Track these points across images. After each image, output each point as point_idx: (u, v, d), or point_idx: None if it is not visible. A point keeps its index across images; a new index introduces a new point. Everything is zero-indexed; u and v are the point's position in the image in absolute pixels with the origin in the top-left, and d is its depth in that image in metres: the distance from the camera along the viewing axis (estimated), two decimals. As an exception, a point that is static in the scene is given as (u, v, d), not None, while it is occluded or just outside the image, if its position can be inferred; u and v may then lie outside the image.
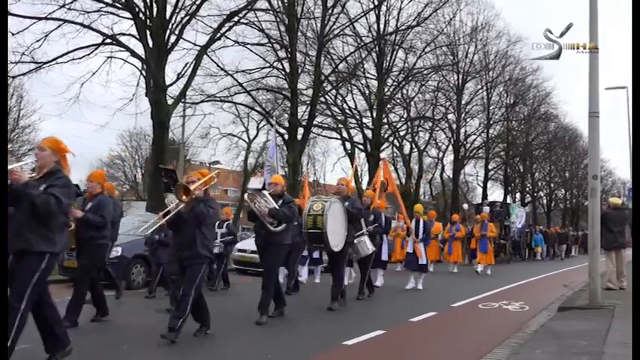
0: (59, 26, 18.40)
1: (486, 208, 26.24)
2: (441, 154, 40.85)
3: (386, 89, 30.74)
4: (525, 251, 30.02)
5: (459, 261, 18.78)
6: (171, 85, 19.84)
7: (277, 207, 7.26)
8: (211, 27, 20.54)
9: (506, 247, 26.01)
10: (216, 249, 10.22)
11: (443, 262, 19.52)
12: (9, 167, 4.18)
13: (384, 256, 12.22)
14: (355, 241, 9.42)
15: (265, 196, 7.27)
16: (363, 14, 28.09)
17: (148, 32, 18.92)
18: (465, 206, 27.19)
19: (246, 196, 7.30)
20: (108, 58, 19.64)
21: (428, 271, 12.38)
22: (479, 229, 18.03)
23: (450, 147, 39.54)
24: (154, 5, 19.03)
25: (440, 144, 39.99)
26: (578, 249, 36.86)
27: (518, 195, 52.19)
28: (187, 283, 5.93)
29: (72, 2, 18.17)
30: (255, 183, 7.61)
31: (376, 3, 28.75)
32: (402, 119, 34.19)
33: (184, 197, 5.77)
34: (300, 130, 25.54)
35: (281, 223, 7.27)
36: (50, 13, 18.12)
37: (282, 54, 25.03)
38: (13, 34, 16.97)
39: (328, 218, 8.03)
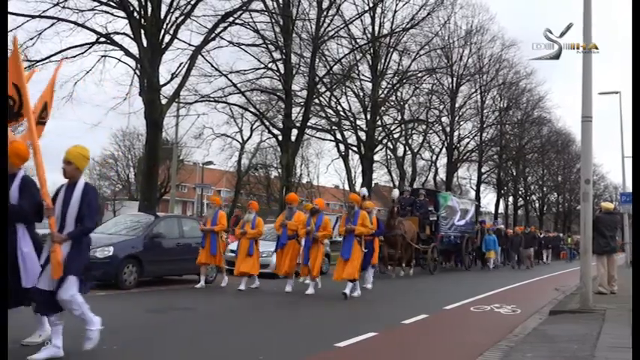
0: (53, 24, 18.25)
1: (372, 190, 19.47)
2: (434, 157, 41.12)
3: (380, 91, 30.76)
4: (472, 257, 23.59)
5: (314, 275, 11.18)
6: (165, 84, 19.77)
7: None
8: (206, 27, 20.47)
9: (431, 251, 18.95)
10: None
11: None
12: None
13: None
14: None
15: None
16: (357, 16, 28.11)
17: (142, 31, 18.82)
18: (364, 191, 14.19)
19: None
20: (102, 57, 19.52)
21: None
22: (344, 221, 10.91)
23: (444, 150, 39.73)
24: (149, 4, 18.93)
25: (433, 147, 40.23)
26: (548, 254, 33.17)
27: (511, 198, 52.46)
28: None
29: (66, 0, 18.07)
30: None
31: (371, 5, 28.78)
32: (396, 122, 34.23)
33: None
34: (294, 132, 25.55)
35: None
36: (44, 11, 17.97)
37: (276, 55, 25.06)
38: (6, 32, 16.85)
39: None
